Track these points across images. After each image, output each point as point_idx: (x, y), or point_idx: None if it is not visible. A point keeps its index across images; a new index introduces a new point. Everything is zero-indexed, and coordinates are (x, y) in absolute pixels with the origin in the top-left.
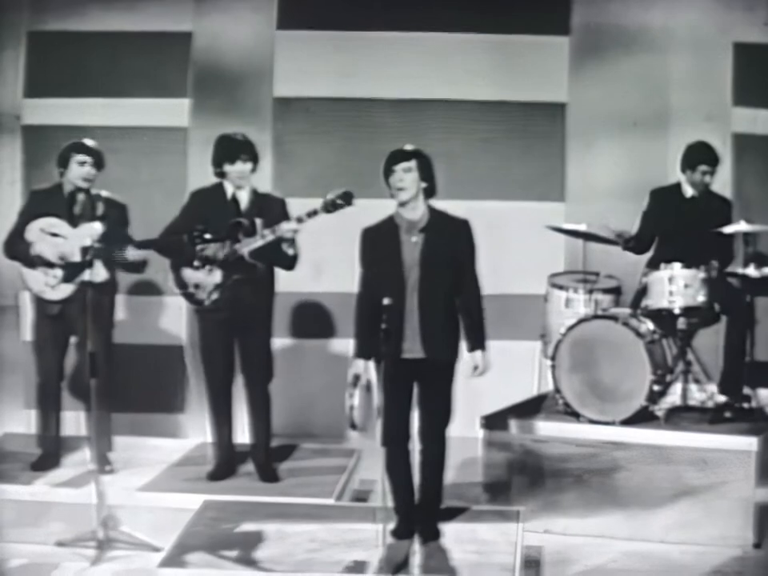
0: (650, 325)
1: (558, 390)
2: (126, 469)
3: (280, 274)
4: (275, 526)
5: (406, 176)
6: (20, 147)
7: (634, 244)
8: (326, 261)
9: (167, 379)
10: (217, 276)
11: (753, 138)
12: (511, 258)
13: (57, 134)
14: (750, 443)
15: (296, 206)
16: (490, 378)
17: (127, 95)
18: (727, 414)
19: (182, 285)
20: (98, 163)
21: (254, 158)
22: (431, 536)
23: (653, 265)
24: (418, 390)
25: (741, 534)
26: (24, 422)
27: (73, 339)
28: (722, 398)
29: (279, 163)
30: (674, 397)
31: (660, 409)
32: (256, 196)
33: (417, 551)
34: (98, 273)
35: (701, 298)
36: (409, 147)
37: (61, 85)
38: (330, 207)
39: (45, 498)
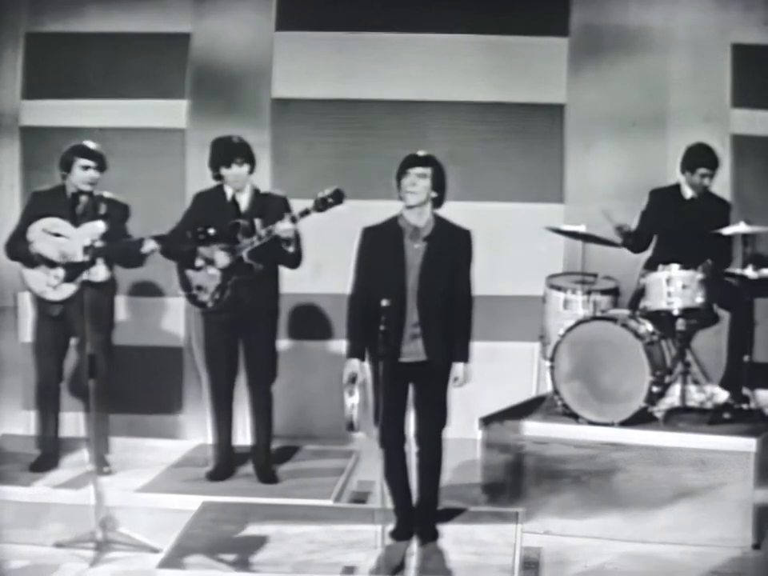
0: (648, 326)
1: (556, 392)
2: (125, 470)
3: (282, 274)
4: (274, 528)
5: (420, 181)
6: (18, 149)
7: (633, 241)
8: (325, 262)
9: (166, 380)
10: (217, 277)
11: (752, 139)
12: (510, 259)
13: (55, 136)
14: (749, 444)
15: (294, 206)
16: (489, 379)
17: (125, 96)
18: (726, 415)
19: (186, 286)
20: (101, 166)
21: (250, 161)
22: (430, 537)
23: (650, 266)
24: (415, 392)
25: (740, 535)
26: (23, 423)
27: (73, 341)
28: (720, 399)
29: (277, 164)
30: (672, 398)
31: (659, 410)
32: (257, 196)
33: (415, 552)
34: (98, 272)
35: (699, 299)
36: (426, 153)
37: (59, 86)
38: (321, 206)
39: (43, 499)
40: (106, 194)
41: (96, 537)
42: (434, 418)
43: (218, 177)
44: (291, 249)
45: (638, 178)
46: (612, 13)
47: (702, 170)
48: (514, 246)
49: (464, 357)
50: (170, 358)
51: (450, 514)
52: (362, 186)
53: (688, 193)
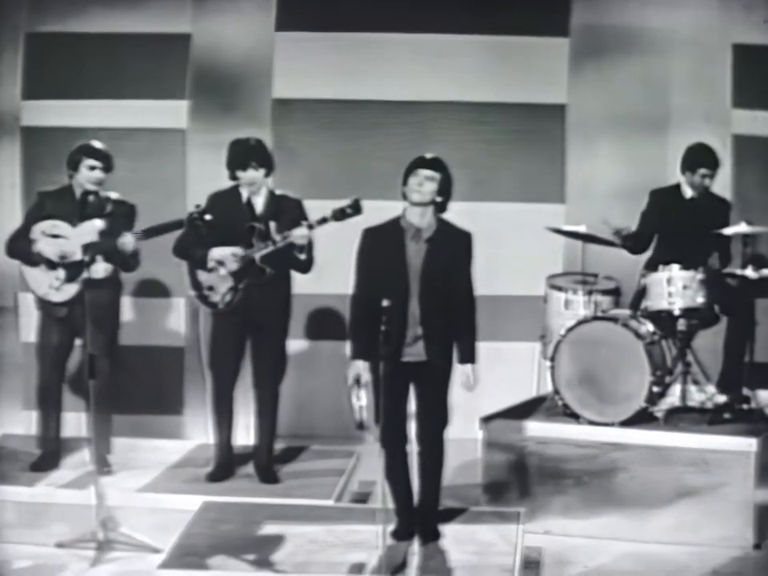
0: (649, 326)
1: (557, 391)
2: (126, 470)
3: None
4: (275, 528)
5: (427, 183)
6: (19, 149)
7: (632, 243)
8: (327, 262)
9: (167, 380)
10: (229, 279)
11: (752, 140)
12: (510, 259)
13: (56, 136)
14: (750, 444)
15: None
16: (490, 379)
17: (126, 97)
18: (726, 415)
19: (196, 287)
20: (107, 167)
21: (266, 164)
22: (431, 537)
23: (651, 266)
24: (416, 392)
25: (740, 535)
26: (24, 422)
27: (78, 341)
28: (721, 399)
29: (278, 165)
30: (673, 398)
31: (659, 410)
32: (272, 198)
33: (416, 552)
34: (98, 269)
35: (700, 300)
36: (437, 157)
37: (60, 86)
38: (340, 216)
39: (44, 499)
40: (113, 195)
41: (97, 537)
42: (436, 418)
43: (234, 178)
44: (303, 256)
45: (638, 179)
46: (612, 13)
47: (703, 170)
48: (514, 246)
49: (471, 358)
50: (171, 358)
51: (451, 514)
52: (363, 186)
53: (688, 193)
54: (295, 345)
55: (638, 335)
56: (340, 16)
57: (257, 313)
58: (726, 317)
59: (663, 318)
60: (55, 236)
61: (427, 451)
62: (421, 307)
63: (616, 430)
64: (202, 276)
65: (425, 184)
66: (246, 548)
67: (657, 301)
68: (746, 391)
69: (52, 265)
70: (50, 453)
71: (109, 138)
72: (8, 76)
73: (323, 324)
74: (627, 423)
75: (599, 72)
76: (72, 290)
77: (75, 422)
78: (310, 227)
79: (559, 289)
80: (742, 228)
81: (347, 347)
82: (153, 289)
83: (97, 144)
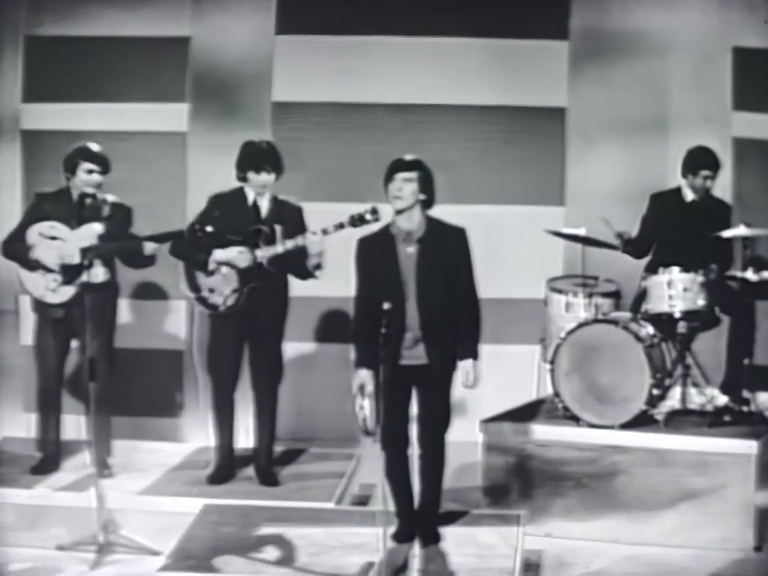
0: (650, 329)
1: (557, 394)
2: (126, 473)
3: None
4: (275, 530)
5: (405, 186)
6: (19, 152)
7: (633, 248)
8: (330, 265)
9: (167, 383)
10: (233, 281)
11: (753, 142)
12: (510, 262)
13: (56, 139)
14: (750, 446)
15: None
16: (490, 381)
17: (126, 100)
18: (726, 418)
19: (195, 289)
20: (105, 170)
21: (278, 168)
22: (431, 540)
23: (651, 269)
24: (417, 395)
25: (741, 537)
26: (23, 425)
27: (74, 343)
28: (721, 402)
29: None
30: (673, 400)
31: (659, 412)
32: (275, 203)
33: (417, 555)
34: (97, 274)
35: (701, 302)
36: (412, 157)
37: (60, 89)
38: (358, 222)
39: (44, 501)
40: (110, 197)
41: (97, 539)
42: (437, 421)
43: (244, 179)
44: (314, 261)
45: (638, 182)
46: (612, 15)
47: (705, 172)
48: (514, 249)
49: (472, 354)
50: (171, 361)
51: (452, 517)
52: (362, 189)
53: (689, 196)
54: (296, 347)
55: (638, 338)
56: (339, 19)
57: (256, 315)
58: (725, 319)
59: (663, 321)
60: (53, 238)
61: (428, 454)
62: (419, 310)
63: (616, 433)
64: (202, 278)
65: (404, 187)
66: (246, 550)
67: (657, 303)
68: (746, 393)
69: (49, 267)
70: (50, 455)
71: (109, 141)
72: (8, 79)
73: (324, 327)
74: (627, 426)
75: (599, 75)
76: (69, 292)
77: (75, 424)
78: (325, 232)
79: (559, 291)
80: (742, 231)
81: (350, 351)
82: (153, 291)
83: (94, 147)
